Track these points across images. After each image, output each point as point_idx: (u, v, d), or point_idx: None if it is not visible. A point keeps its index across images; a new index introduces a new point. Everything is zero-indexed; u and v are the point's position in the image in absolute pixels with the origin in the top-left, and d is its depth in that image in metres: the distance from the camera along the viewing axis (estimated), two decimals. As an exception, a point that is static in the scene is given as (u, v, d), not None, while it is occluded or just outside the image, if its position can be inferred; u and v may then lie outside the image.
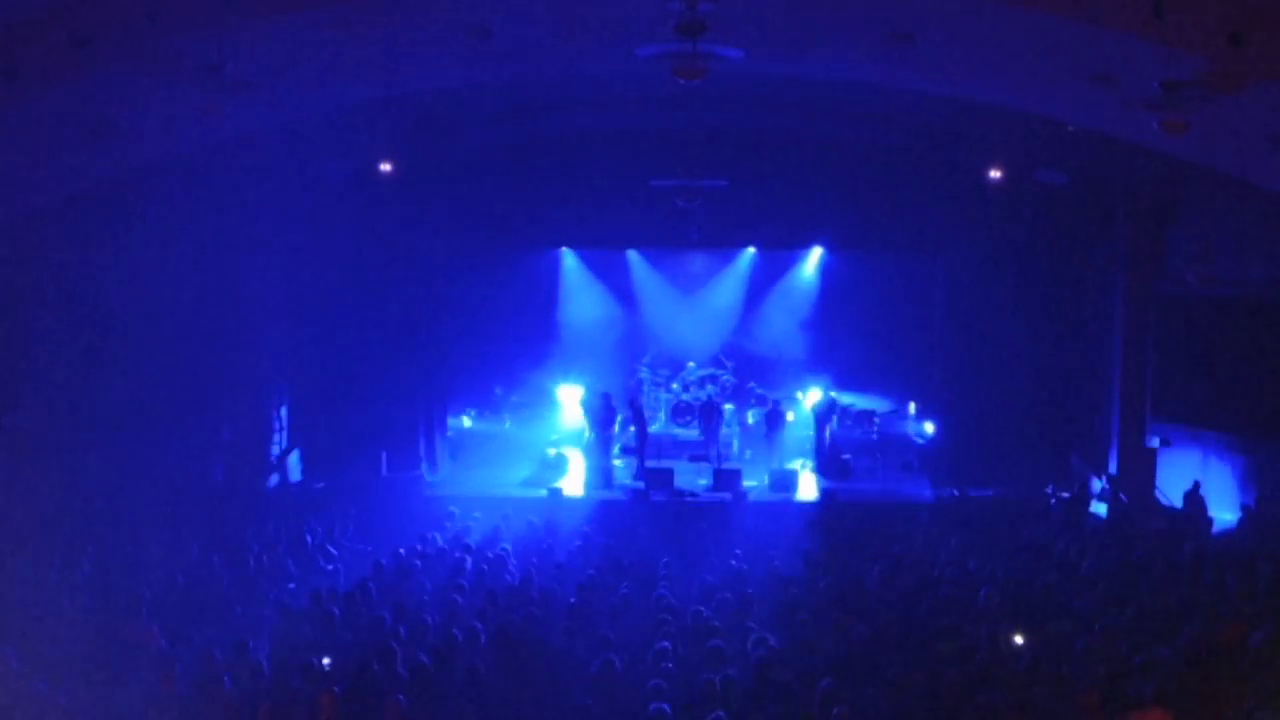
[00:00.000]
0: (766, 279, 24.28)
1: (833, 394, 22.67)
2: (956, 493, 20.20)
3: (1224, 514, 17.68)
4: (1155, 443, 20.18)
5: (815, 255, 23.81)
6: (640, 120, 19.98)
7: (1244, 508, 17.47)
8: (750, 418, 23.39)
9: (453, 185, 21.02)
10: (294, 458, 21.55)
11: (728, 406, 23.05)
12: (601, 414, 21.69)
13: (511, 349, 23.69)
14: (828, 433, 22.23)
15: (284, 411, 21.69)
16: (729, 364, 24.25)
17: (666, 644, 10.69)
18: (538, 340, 24.08)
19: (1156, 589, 12.84)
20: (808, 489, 20.68)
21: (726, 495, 19.76)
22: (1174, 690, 9.29)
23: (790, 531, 17.07)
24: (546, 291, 24.27)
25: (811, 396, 23.31)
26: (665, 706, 8.87)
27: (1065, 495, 19.34)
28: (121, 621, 11.60)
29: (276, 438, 21.49)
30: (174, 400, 19.77)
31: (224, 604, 12.86)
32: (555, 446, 22.56)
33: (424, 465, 21.96)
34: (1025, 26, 11.89)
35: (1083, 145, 17.76)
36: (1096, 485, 20.19)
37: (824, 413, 22.34)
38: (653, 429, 22.46)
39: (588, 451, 21.91)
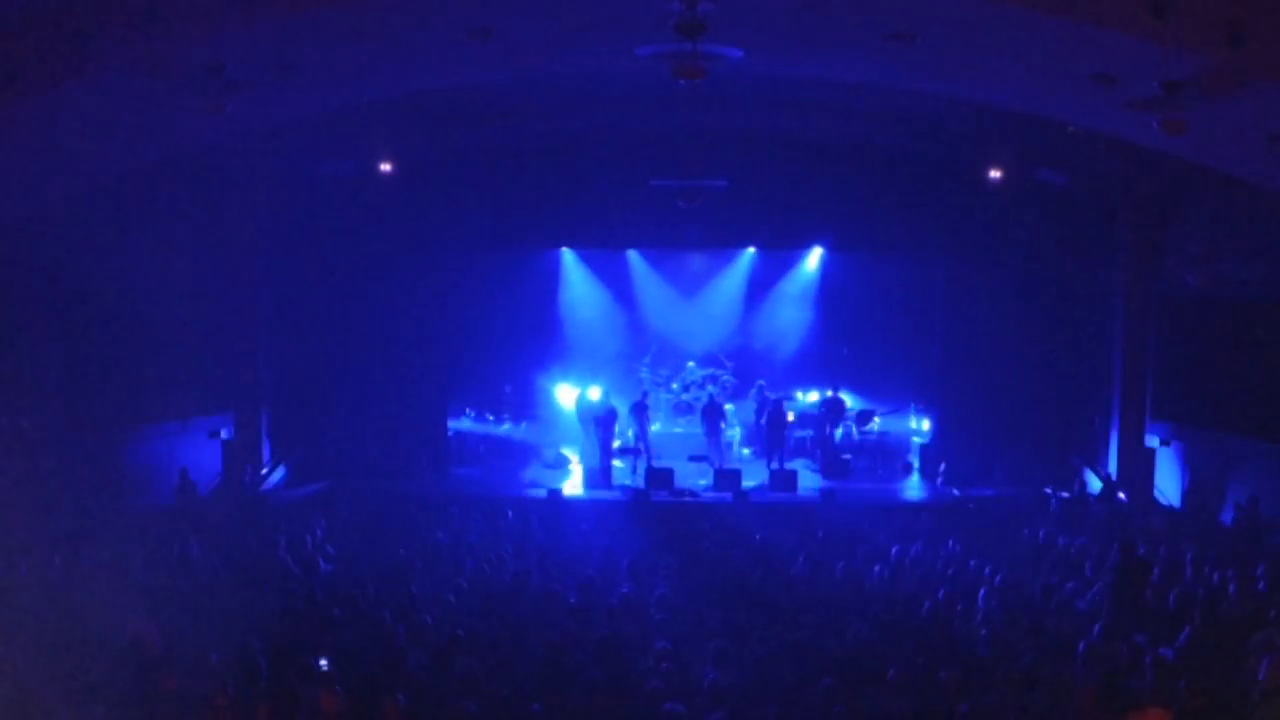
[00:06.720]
0: (766, 279, 24.23)
1: (828, 393, 22.60)
2: (956, 493, 20.21)
3: (1223, 514, 17.68)
4: (1155, 443, 20.19)
5: (815, 255, 23.77)
6: (640, 120, 19.98)
7: (1244, 507, 17.46)
8: (754, 416, 23.36)
9: (453, 185, 21.05)
10: (293, 458, 21.55)
11: (729, 407, 23.04)
12: (601, 414, 21.68)
13: (511, 349, 23.65)
14: (828, 432, 22.22)
15: (283, 411, 21.70)
16: (729, 364, 24.22)
17: (666, 644, 10.68)
18: (538, 340, 24.04)
19: (1156, 589, 12.84)
20: (808, 489, 20.66)
21: (726, 495, 19.76)
22: (1174, 690, 9.28)
23: (790, 532, 17.05)
24: (546, 291, 24.23)
25: (810, 397, 23.28)
26: (680, 707, 8.85)
27: (1065, 495, 19.33)
28: (121, 621, 11.58)
29: (276, 438, 21.49)
30: (173, 400, 19.82)
31: (224, 604, 12.84)
32: (555, 446, 22.56)
33: (423, 465, 21.95)
34: (1025, 26, 11.89)
35: (1083, 145, 17.78)
36: (1096, 485, 20.19)
37: (824, 413, 22.31)
38: (653, 429, 22.46)
39: (587, 451, 21.89)
